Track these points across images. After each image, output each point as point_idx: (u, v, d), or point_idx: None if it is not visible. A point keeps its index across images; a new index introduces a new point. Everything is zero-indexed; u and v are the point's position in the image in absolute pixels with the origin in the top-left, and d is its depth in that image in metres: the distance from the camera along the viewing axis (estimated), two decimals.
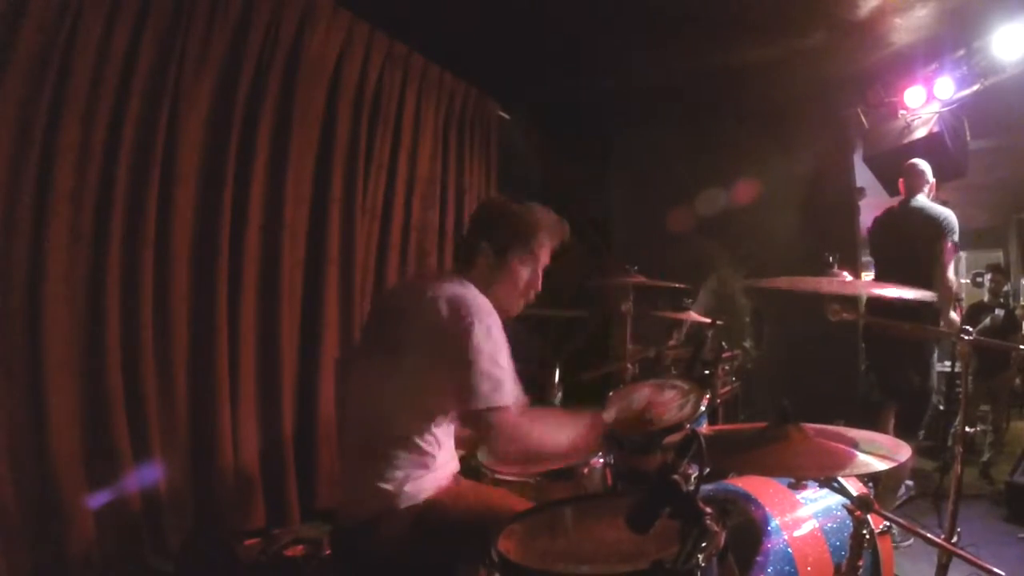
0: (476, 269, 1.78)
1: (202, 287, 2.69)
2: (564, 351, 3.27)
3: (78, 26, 2.23)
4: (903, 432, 3.40)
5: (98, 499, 2.25)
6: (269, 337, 2.95)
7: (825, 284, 1.87)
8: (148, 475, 2.40)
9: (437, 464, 1.72)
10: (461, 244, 1.85)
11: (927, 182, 3.73)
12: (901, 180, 3.83)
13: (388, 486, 1.63)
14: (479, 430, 1.63)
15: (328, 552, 2.38)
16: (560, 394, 2.43)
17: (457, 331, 1.59)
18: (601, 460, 2.09)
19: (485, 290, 1.74)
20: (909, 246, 3.56)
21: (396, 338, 1.67)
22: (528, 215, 1.82)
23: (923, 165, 3.75)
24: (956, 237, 3.51)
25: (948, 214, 3.55)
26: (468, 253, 1.80)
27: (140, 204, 2.46)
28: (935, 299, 3.56)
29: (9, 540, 2.04)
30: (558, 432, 1.70)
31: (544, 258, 1.84)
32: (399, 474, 1.64)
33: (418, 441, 1.67)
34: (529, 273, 1.82)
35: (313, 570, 2.34)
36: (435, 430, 1.69)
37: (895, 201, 3.89)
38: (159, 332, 2.53)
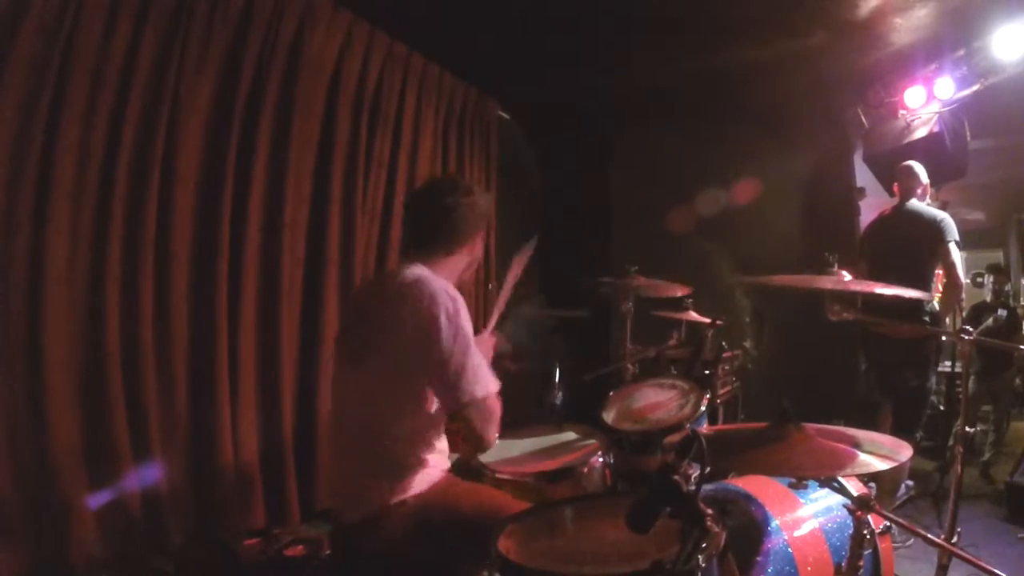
0: (452, 260, 1.85)
1: (202, 287, 2.68)
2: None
3: (78, 26, 2.22)
4: (900, 432, 3.41)
5: (98, 499, 2.24)
6: (269, 337, 2.94)
7: (824, 281, 1.88)
8: (148, 475, 2.39)
9: (429, 461, 1.72)
10: (421, 230, 1.88)
11: (921, 184, 3.74)
12: (895, 183, 3.84)
13: (381, 485, 1.64)
14: (469, 423, 1.65)
15: (328, 552, 2.38)
16: (560, 394, 2.43)
17: (425, 327, 1.61)
18: (601, 460, 2.09)
19: (454, 274, 1.85)
20: (905, 250, 3.58)
21: (369, 337, 1.69)
22: (476, 207, 1.91)
23: (917, 167, 3.76)
24: (957, 237, 3.53)
25: (945, 216, 3.58)
26: (449, 247, 1.85)
27: (140, 204, 2.45)
28: (930, 299, 3.60)
29: (9, 540, 2.04)
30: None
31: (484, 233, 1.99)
32: (391, 473, 1.65)
33: (407, 439, 1.67)
34: (479, 248, 1.96)
35: (313, 570, 2.34)
36: (423, 426, 1.70)
37: (888, 206, 3.90)
38: (159, 332, 2.52)
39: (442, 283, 1.69)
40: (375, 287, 1.91)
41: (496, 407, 1.68)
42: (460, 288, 1.86)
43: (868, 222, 4.08)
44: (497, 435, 1.70)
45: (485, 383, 1.64)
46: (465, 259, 1.90)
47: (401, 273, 1.74)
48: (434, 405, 1.70)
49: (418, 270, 1.73)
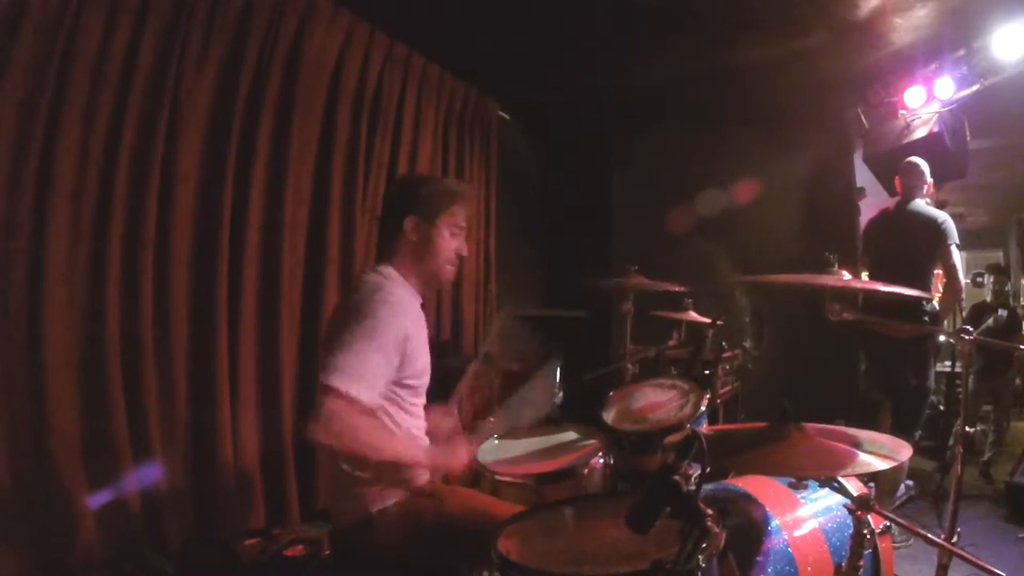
0: (402, 250, 1.82)
1: (202, 287, 2.68)
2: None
3: (78, 26, 2.23)
4: (899, 432, 3.41)
5: (98, 499, 2.24)
6: (269, 337, 2.94)
7: (825, 279, 1.88)
8: (148, 475, 2.39)
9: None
10: (384, 228, 1.87)
11: (925, 183, 3.74)
12: (897, 179, 3.83)
13: (365, 491, 1.65)
14: (318, 406, 1.51)
15: (328, 552, 2.38)
16: (560, 394, 2.43)
17: (344, 315, 1.62)
18: (601, 460, 2.09)
19: (413, 268, 1.81)
20: (905, 248, 3.58)
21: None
22: (442, 183, 1.89)
23: (922, 165, 3.76)
24: (957, 239, 3.54)
25: (946, 217, 3.58)
26: (392, 235, 1.83)
27: (140, 204, 2.45)
28: (930, 298, 3.61)
29: (9, 540, 2.04)
30: (385, 442, 1.64)
31: (463, 221, 1.89)
32: (373, 479, 1.66)
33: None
34: (456, 238, 1.87)
35: (313, 570, 2.34)
36: (401, 426, 1.71)
37: (891, 203, 3.90)
38: (159, 332, 2.52)
39: (390, 282, 1.72)
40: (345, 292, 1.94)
41: (344, 416, 1.49)
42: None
43: (868, 219, 4.09)
44: (327, 440, 1.51)
45: (349, 378, 1.51)
46: (412, 244, 1.80)
47: (361, 276, 1.79)
48: (401, 408, 1.72)
49: (381, 270, 1.77)
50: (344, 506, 1.70)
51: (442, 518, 1.66)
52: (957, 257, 3.53)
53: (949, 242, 3.50)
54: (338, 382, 1.50)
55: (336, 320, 1.68)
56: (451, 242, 1.85)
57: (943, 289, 3.75)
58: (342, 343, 1.55)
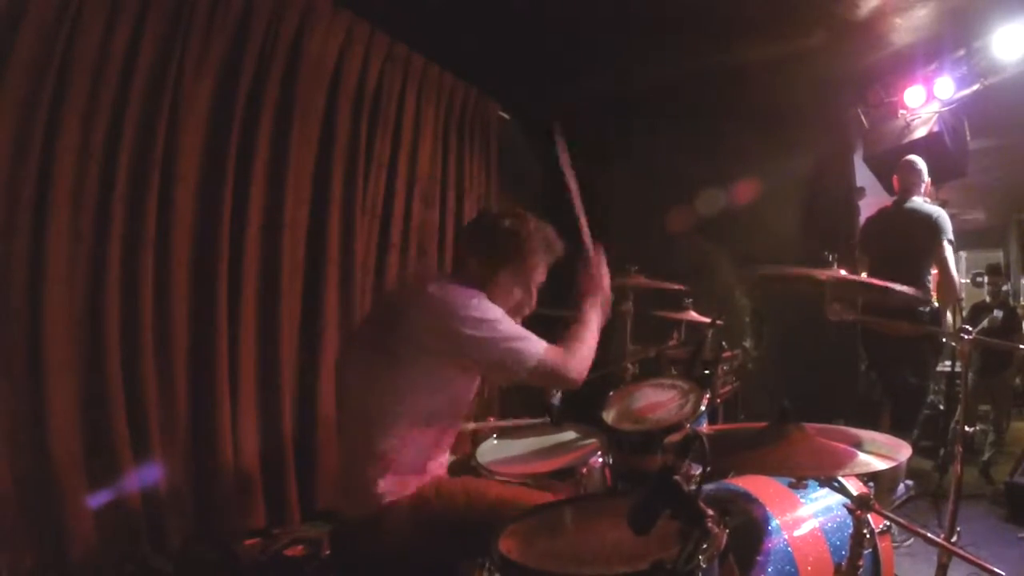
0: (470, 282, 1.76)
1: (202, 287, 2.68)
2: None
3: (78, 26, 2.23)
4: (897, 431, 3.41)
5: (98, 499, 2.24)
6: (269, 337, 2.94)
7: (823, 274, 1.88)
8: (148, 475, 2.39)
9: (432, 466, 1.73)
10: (456, 254, 1.88)
11: (923, 181, 3.75)
12: (895, 177, 3.84)
13: (383, 485, 1.64)
14: (545, 383, 1.81)
15: (328, 552, 2.38)
16: (560, 394, 2.43)
17: (461, 324, 1.60)
18: (601, 460, 2.09)
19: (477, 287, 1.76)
20: (902, 246, 3.58)
21: (394, 338, 1.66)
22: (520, 232, 1.78)
23: (919, 163, 3.76)
24: (951, 235, 3.54)
25: (940, 213, 3.59)
26: (462, 265, 1.83)
27: (140, 204, 2.45)
28: (929, 299, 3.61)
29: (9, 540, 2.04)
30: (586, 333, 1.80)
31: (538, 276, 1.83)
32: (394, 475, 1.65)
33: (413, 442, 1.67)
34: (521, 291, 1.80)
35: (313, 570, 2.34)
36: (430, 432, 1.70)
37: (890, 201, 3.90)
38: (159, 332, 2.52)
39: (458, 289, 1.67)
40: (404, 292, 1.90)
41: (557, 358, 1.68)
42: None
43: (866, 218, 4.09)
44: (580, 371, 1.72)
45: (529, 352, 1.64)
46: (475, 282, 1.74)
47: (433, 281, 1.73)
48: (443, 414, 1.71)
49: (446, 284, 1.71)
50: (353, 497, 1.69)
51: (448, 511, 1.65)
52: (949, 252, 3.52)
53: (942, 238, 3.51)
54: (532, 362, 1.64)
55: (444, 335, 1.61)
56: (512, 294, 1.78)
57: (938, 286, 3.75)
58: (496, 336, 1.62)
